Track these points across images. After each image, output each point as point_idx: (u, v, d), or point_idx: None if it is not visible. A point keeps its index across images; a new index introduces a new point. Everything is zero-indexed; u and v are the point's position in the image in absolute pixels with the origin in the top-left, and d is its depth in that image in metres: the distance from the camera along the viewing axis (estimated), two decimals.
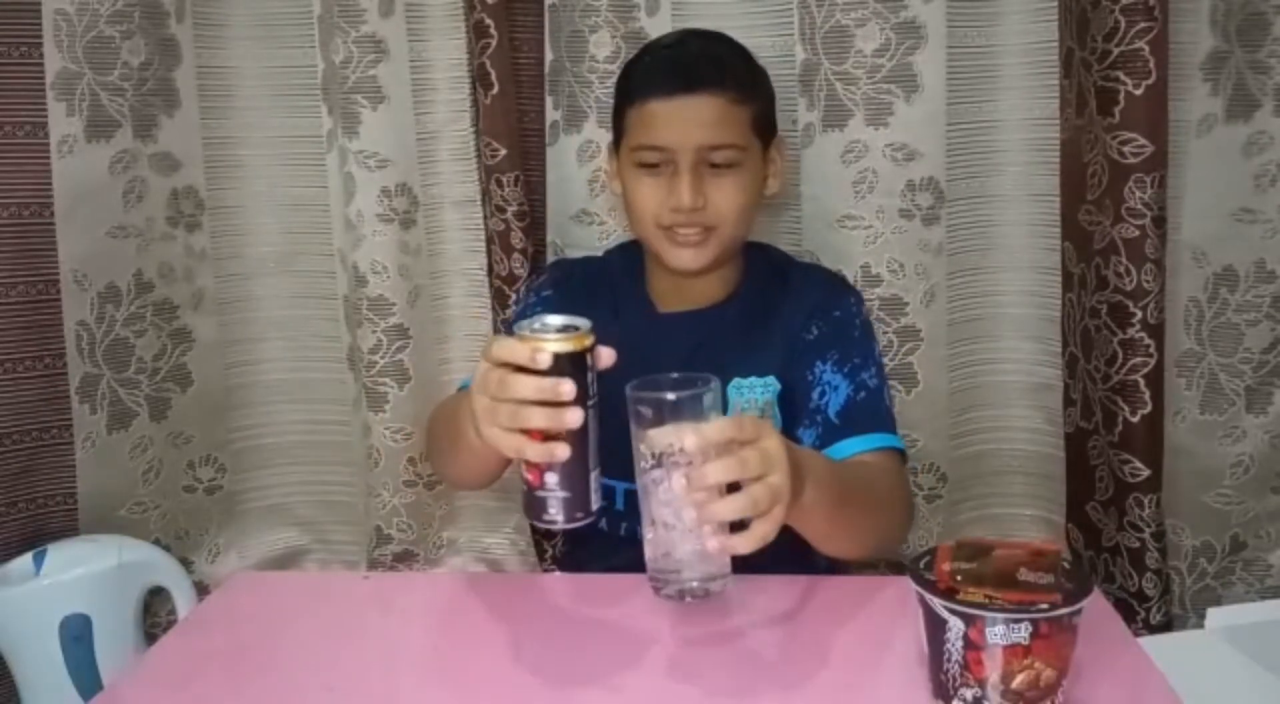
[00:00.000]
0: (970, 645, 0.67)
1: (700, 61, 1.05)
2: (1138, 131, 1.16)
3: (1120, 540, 1.28)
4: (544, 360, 0.73)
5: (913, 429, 1.29)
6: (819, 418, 1.01)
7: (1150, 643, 0.86)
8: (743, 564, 0.81)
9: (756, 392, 1.06)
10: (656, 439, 0.78)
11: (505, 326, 1.30)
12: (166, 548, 1.39)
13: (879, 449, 0.99)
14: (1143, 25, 1.13)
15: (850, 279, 1.24)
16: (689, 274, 1.08)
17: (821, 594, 0.90)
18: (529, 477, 0.77)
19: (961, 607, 0.67)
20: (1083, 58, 1.19)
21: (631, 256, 1.16)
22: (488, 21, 1.25)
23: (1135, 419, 1.23)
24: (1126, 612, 1.26)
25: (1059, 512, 1.38)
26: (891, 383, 1.22)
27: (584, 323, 0.76)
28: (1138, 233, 1.18)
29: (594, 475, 0.77)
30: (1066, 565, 0.70)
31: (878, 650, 0.83)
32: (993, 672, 0.67)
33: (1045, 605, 0.66)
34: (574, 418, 0.73)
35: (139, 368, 1.36)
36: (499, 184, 1.30)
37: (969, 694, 0.68)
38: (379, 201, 1.32)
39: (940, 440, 1.34)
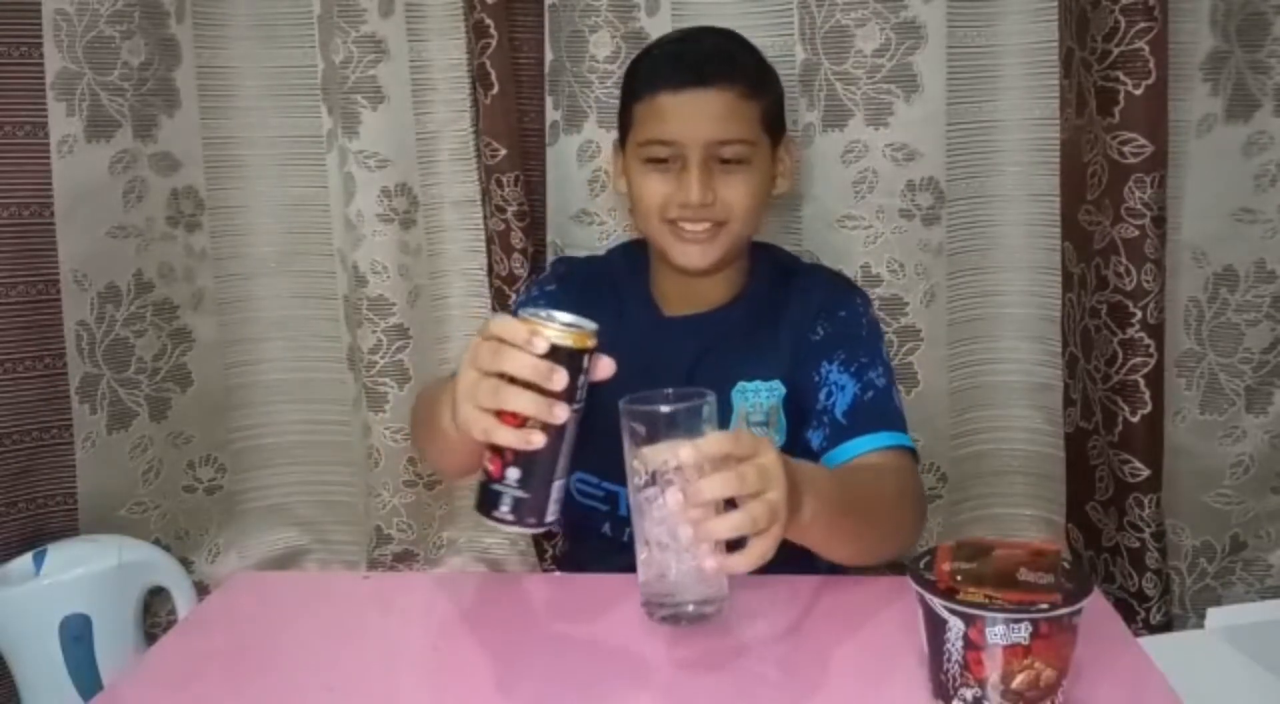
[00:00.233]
0: (970, 645, 0.67)
1: (711, 55, 1.04)
2: (1138, 131, 1.16)
3: (1120, 540, 1.28)
4: (540, 345, 0.70)
5: (913, 429, 1.25)
6: (826, 418, 1.00)
7: (1150, 643, 0.86)
8: None
9: (761, 396, 1.04)
10: (651, 455, 0.74)
11: None
12: (166, 548, 1.40)
13: (888, 448, 0.97)
14: (1143, 25, 1.13)
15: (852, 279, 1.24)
16: (695, 273, 1.05)
17: (820, 594, 0.90)
18: (489, 467, 0.73)
19: (961, 607, 0.67)
20: (1083, 58, 1.19)
21: (635, 257, 1.14)
22: (488, 21, 1.25)
23: (1135, 419, 1.23)
24: (1126, 612, 1.26)
25: (1059, 512, 1.38)
26: None
27: (590, 325, 0.73)
28: (1137, 233, 1.18)
29: (558, 485, 0.73)
30: (1066, 565, 0.70)
31: (877, 650, 0.82)
32: (993, 672, 0.67)
33: (1045, 605, 0.66)
34: (560, 412, 0.70)
35: (139, 368, 1.36)
36: (499, 184, 1.30)
37: (969, 694, 0.68)
38: (379, 201, 1.32)
39: (940, 440, 1.34)
